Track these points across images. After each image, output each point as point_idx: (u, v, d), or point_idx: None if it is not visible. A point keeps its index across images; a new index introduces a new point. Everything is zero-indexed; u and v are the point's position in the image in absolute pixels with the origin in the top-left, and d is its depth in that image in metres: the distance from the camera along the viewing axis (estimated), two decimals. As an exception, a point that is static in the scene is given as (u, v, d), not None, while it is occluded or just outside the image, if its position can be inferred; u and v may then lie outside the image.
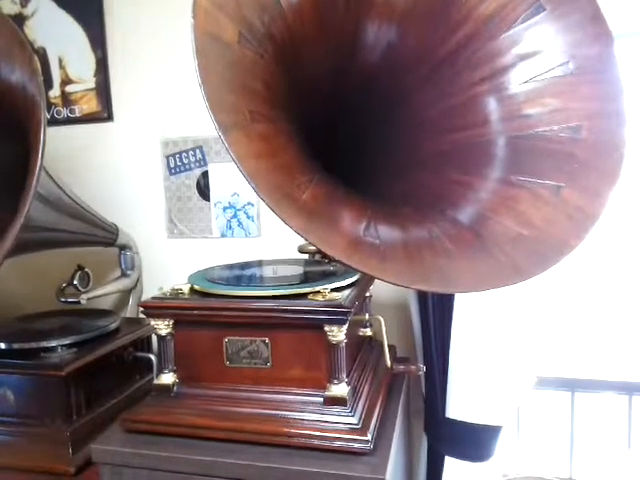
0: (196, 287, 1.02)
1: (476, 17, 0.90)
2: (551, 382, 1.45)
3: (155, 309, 0.99)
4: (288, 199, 0.65)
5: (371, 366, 1.12)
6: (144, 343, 1.38)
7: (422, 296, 1.28)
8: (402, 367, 1.01)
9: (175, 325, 0.99)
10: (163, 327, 0.99)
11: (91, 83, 1.58)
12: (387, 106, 1.00)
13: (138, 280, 1.59)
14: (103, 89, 1.57)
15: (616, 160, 0.79)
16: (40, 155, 0.83)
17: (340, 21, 0.88)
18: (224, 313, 0.95)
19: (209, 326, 0.97)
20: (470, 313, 1.19)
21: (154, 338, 1.42)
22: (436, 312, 1.24)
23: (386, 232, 0.74)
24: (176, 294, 1.01)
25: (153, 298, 1.00)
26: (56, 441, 1.06)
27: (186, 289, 1.02)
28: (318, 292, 0.94)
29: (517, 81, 0.90)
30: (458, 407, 1.22)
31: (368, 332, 1.21)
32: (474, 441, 1.22)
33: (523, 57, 0.89)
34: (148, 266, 1.63)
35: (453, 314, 1.21)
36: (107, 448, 0.95)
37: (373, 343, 1.23)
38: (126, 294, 1.59)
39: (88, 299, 1.37)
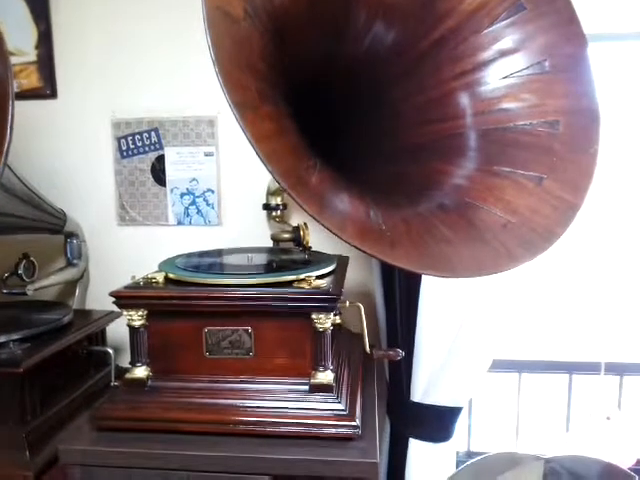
0: (171, 275, 0.98)
1: (461, 11, 0.93)
2: (500, 364, 1.54)
3: (129, 299, 0.93)
4: (302, 183, 0.64)
5: (346, 353, 1.13)
6: (98, 337, 1.30)
7: (388, 283, 1.31)
8: (382, 352, 1.02)
9: (149, 316, 0.94)
10: (137, 318, 0.94)
11: (32, 56, 1.44)
12: (370, 96, 1.00)
13: (85, 270, 1.49)
14: (46, 63, 1.44)
15: (591, 155, 0.85)
16: (9, 131, 0.76)
17: (332, 6, 0.87)
18: (205, 302, 0.92)
19: (187, 316, 0.93)
20: (436, 299, 1.23)
21: (107, 330, 1.34)
22: (402, 299, 1.27)
23: (388, 218, 0.75)
24: (150, 283, 0.96)
25: (126, 287, 0.94)
26: (11, 444, 0.97)
27: (160, 278, 0.97)
28: (303, 280, 0.93)
29: (497, 76, 0.94)
30: (423, 391, 1.26)
31: (338, 320, 1.21)
32: (438, 423, 1.27)
33: (504, 53, 0.93)
34: (95, 255, 1.53)
35: (419, 301, 1.24)
36: (77, 448, 0.88)
37: (343, 330, 1.24)
38: (71, 285, 1.48)
39: (35, 290, 1.26)
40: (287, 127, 0.71)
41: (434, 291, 1.23)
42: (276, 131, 0.67)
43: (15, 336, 1.06)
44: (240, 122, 0.60)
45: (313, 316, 0.90)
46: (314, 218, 0.62)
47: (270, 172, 0.60)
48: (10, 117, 0.78)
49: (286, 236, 1.16)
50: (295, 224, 1.17)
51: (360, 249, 0.64)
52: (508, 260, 0.74)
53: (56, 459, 0.91)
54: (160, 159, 1.48)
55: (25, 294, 1.24)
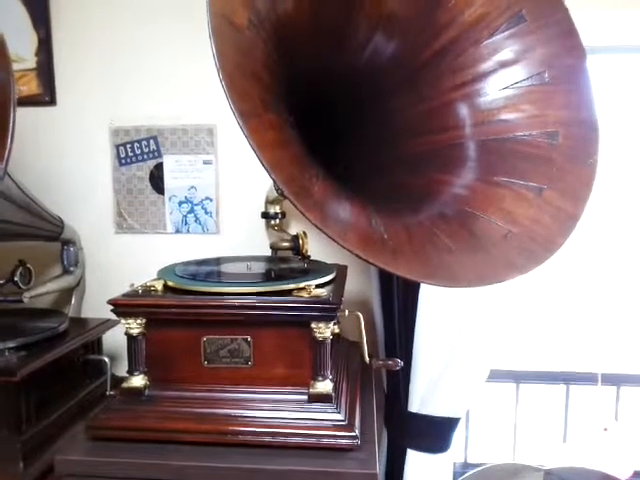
0: (170, 283, 0.97)
1: (461, 22, 0.94)
2: (498, 374, 1.54)
3: (127, 307, 0.92)
4: (305, 192, 0.64)
5: (344, 363, 1.12)
6: (94, 345, 1.29)
7: (386, 292, 1.30)
8: (381, 362, 1.02)
9: (148, 324, 0.93)
10: (135, 326, 0.93)
11: (32, 63, 1.44)
12: (371, 106, 1.01)
13: (81, 278, 1.48)
14: (45, 70, 1.44)
15: (590, 166, 0.85)
16: (10, 138, 0.75)
17: (334, 16, 0.88)
18: (205, 311, 0.91)
19: (186, 325, 0.93)
20: (434, 309, 1.23)
21: (104, 339, 1.33)
22: (401, 308, 1.27)
23: (389, 227, 0.75)
24: (148, 291, 0.95)
25: (124, 295, 0.93)
26: (5, 454, 0.96)
27: (159, 285, 0.96)
28: (303, 288, 0.93)
29: (497, 87, 0.95)
30: (421, 401, 1.26)
31: (336, 329, 1.21)
32: (436, 434, 1.26)
33: (503, 64, 0.94)
34: (92, 262, 1.52)
35: (417, 310, 1.24)
36: (73, 458, 0.87)
37: (341, 340, 1.24)
38: (67, 293, 1.47)
39: (30, 297, 1.25)
40: (290, 136, 0.71)
41: (432, 301, 1.23)
42: (279, 139, 0.67)
43: (10, 344, 1.05)
44: (244, 130, 0.60)
45: (313, 325, 0.90)
46: (316, 227, 0.62)
47: (273, 180, 0.60)
48: (11, 124, 0.78)
49: (285, 245, 1.15)
50: (294, 233, 1.17)
51: (362, 258, 0.63)
52: (509, 270, 0.74)
53: (50, 470, 0.90)
54: (159, 167, 1.47)
55: (21, 301, 1.23)
